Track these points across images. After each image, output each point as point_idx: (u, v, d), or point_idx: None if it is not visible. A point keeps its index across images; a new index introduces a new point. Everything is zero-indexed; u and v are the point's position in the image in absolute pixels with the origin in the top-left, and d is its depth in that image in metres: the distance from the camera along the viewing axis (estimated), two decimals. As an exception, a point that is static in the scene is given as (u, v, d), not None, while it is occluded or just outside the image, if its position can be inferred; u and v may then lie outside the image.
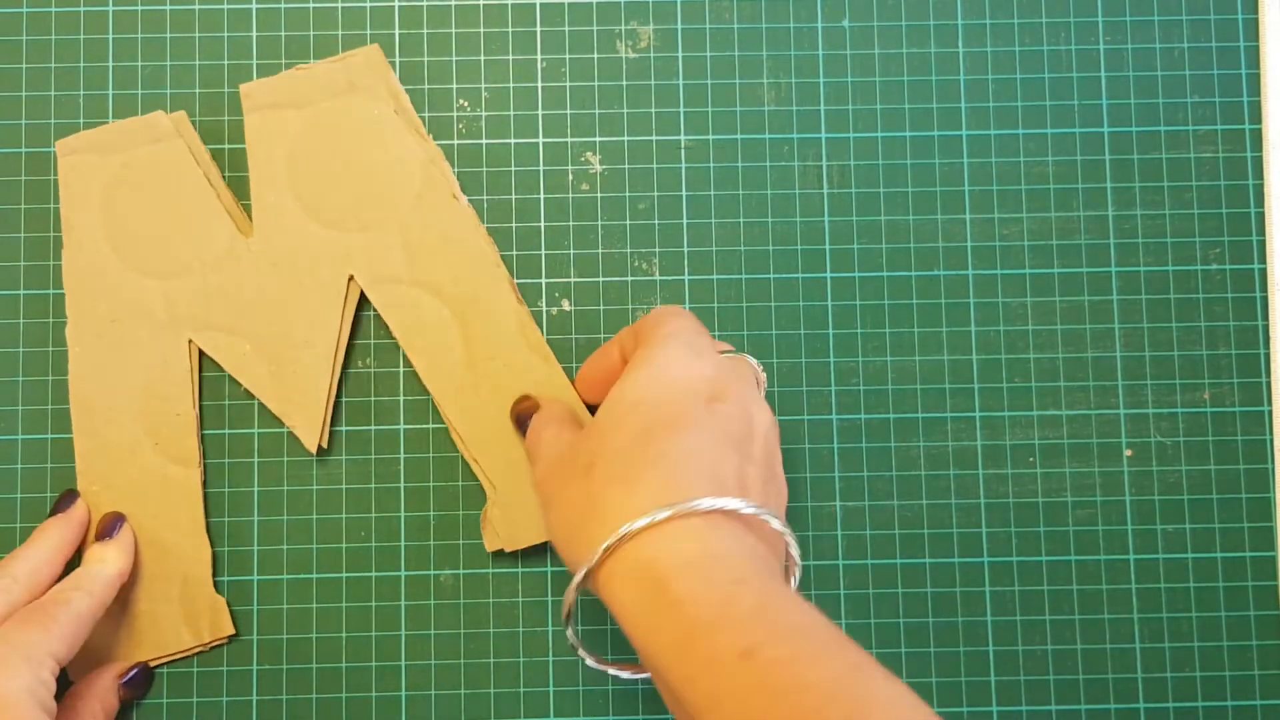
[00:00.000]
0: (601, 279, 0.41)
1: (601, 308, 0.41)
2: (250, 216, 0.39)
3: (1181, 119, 0.42)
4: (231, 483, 0.40)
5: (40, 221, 0.41)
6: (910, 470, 0.41)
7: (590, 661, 0.34)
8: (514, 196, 0.41)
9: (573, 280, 0.41)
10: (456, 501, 0.40)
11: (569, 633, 0.33)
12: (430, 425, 0.41)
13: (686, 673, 0.27)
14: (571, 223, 0.41)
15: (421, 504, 0.40)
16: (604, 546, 0.29)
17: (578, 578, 0.30)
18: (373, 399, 0.40)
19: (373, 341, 0.41)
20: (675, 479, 0.30)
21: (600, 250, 0.41)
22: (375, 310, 0.40)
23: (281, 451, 0.40)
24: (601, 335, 0.41)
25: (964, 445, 0.41)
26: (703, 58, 0.42)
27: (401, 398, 0.41)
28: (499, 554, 0.40)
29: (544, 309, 0.41)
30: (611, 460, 0.31)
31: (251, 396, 0.40)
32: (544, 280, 0.41)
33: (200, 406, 0.39)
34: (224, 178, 0.40)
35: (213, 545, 0.39)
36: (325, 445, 0.39)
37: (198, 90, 0.41)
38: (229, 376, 0.40)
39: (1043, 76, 0.42)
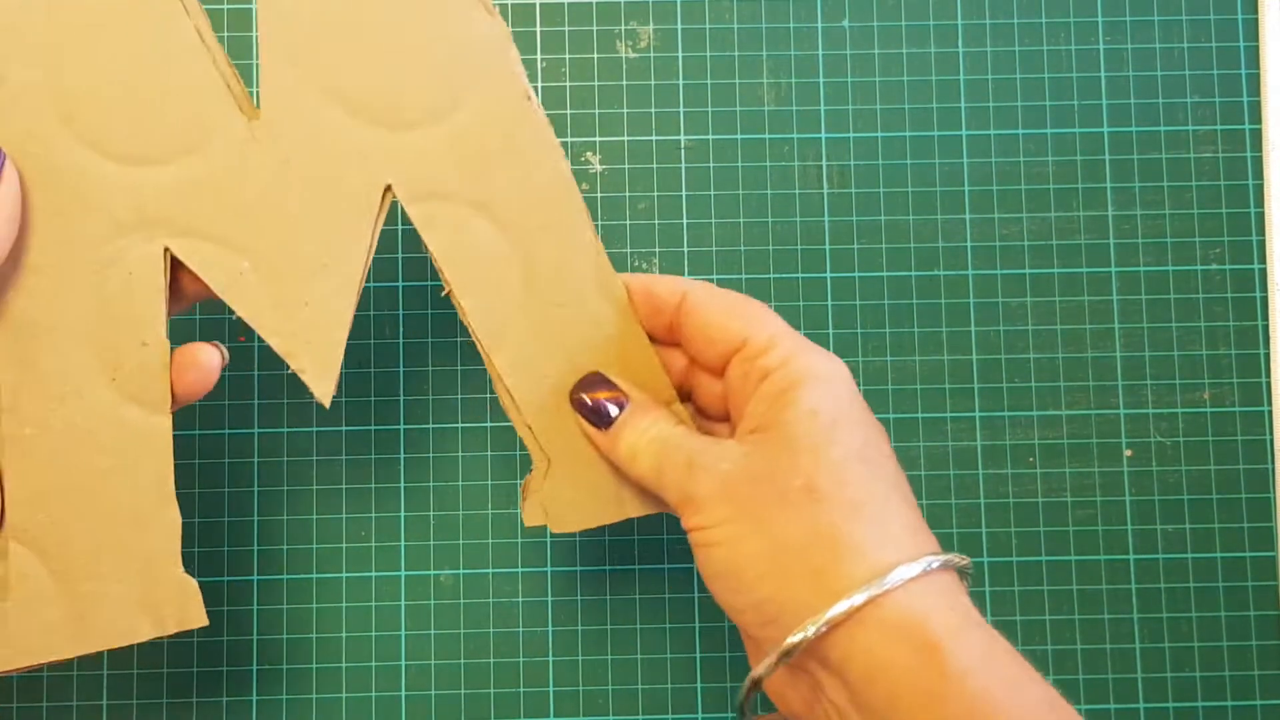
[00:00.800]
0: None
1: (601, 308, 0.41)
2: (254, 95, 0.31)
3: (1181, 119, 0.42)
4: (231, 483, 0.40)
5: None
6: (910, 470, 0.41)
7: None
8: (514, 196, 0.41)
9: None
10: (456, 501, 0.40)
11: (745, 707, 0.29)
12: (430, 425, 0.40)
13: None
14: (571, 223, 0.41)
15: (422, 504, 0.40)
16: (872, 592, 0.25)
17: (821, 620, 0.25)
18: (373, 399, 0.40)
19: (372, 342, 0.41)
20: (914, 515, 0.27)
21: (600, 250, 0.41)
22: (414, 235, 0.32)
23: (281, 452, 0.40)
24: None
25: (964, 445, 0.41)
26: (703, 58, 0.42)
27: (401, 398, 0.41)
28: (498, 554, 0.40)
29: (544, 309, 0.41)
30: (840, 484, 0.27)
31: (249, 395, 0.40)
32: (544, 280, 0.41)
33: (170, 333, 0.31)
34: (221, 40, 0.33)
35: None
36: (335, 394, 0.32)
37: None
38: (228, 375, 0.40)
39: (1042, 76, 0.42)
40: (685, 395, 0.33)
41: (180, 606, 0.31)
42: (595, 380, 0.32)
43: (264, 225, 0.31)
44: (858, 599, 0.25)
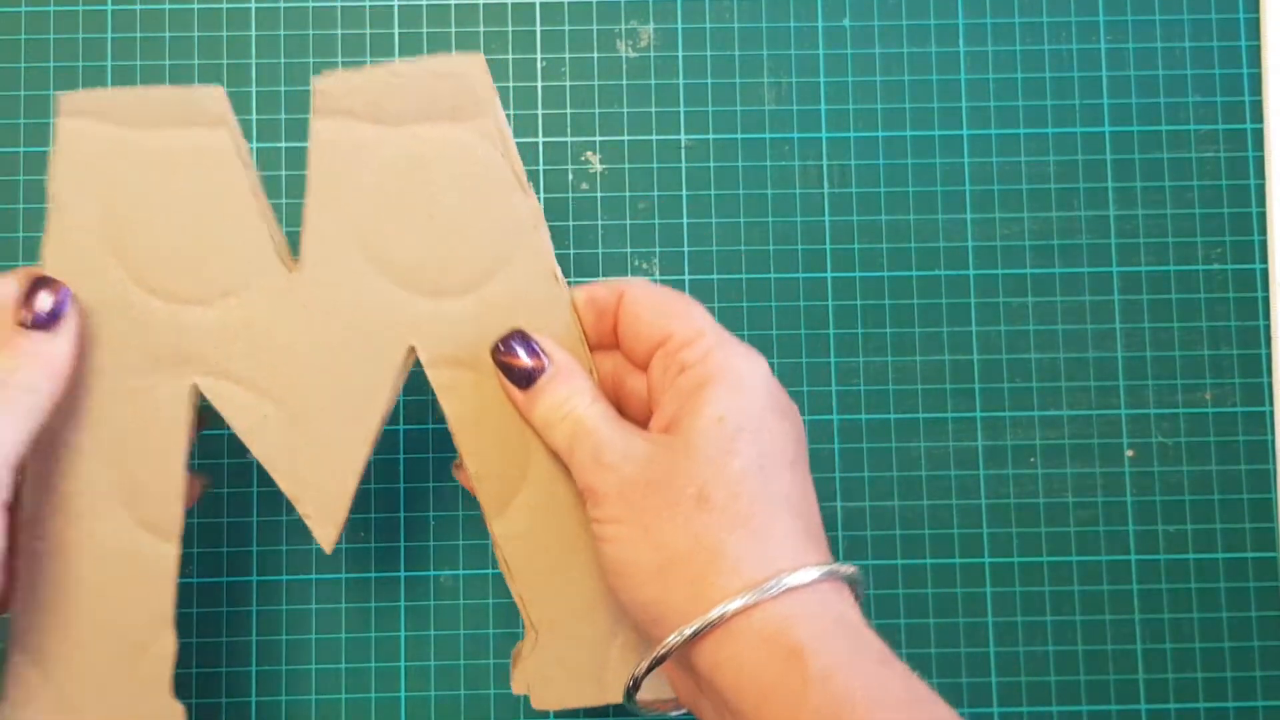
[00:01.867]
0: (602, 279, 0.41)
1: (601, 308, 0.41)
2: (293, 246, 0.33)
3: (1183, 118, 0.42)
4: (231, 483, 0.40)
5: (39, 224, 0.40)
6: (911, 471, 0.41)
7: (674, 713, 0.32)
8: (514, 196, 0.41)
9: (573, 280, 0.41)
10: (456, 502, 0.40)
11: (637, 696, 0.30)
12: (430, 426, 0.40)
13: None
14: (571, 223, 0.41)
15: (421, 504, 0.40)
16: (740, 603, 0.26)
17: (685, 632, 0.27)
18: (372, 399, 0.40)
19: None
20: (803, 529, 0.28)
21: (600, 250, 0.41)
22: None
23: (280, 452, 0.40)
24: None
25: (965, 446, 0.41)
26: (703, 57, 0.42)
27: (401, 397, 0.40)
28: (497, 554, 0.40)
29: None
30: (733, 496, 0.27)
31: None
32: (544, 280, 0.41)
33: (192, 467, 0.32)
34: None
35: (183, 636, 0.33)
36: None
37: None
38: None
39: (1044, 76, 0.42)
40: (613, 402, 0.33)
41: None
42: (517, 339, 0.31)
43: (291, 373, 0.32)
44: (719, 612, 0.26)
